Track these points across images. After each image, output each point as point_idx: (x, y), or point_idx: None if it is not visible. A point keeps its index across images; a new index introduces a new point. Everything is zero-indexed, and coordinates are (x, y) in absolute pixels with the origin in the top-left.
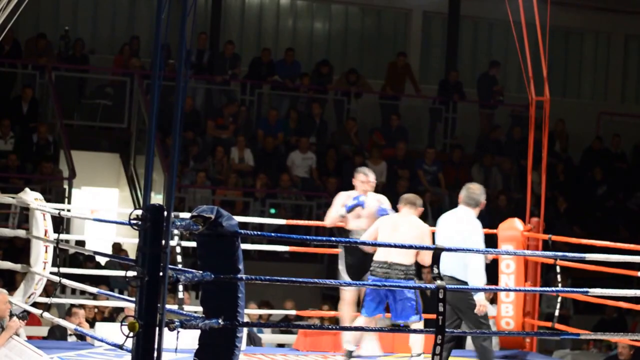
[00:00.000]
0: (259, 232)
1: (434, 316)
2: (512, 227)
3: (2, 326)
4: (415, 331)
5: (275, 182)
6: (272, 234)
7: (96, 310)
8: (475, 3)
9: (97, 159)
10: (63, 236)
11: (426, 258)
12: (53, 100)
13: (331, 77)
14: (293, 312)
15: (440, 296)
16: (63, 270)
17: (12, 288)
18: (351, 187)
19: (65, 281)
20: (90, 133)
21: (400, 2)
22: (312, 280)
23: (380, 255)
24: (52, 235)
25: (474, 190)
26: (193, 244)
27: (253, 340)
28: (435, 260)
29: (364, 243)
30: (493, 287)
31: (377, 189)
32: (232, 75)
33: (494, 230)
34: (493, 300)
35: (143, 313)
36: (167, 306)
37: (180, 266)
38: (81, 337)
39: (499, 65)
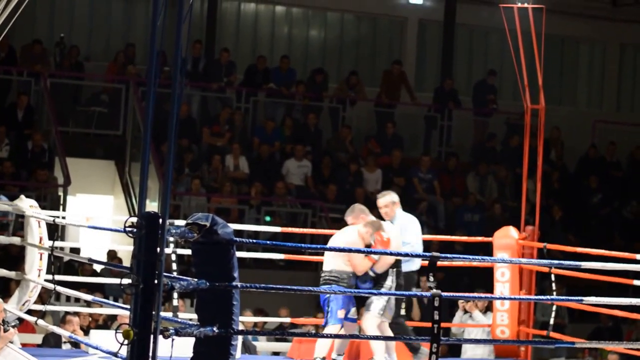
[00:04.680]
0: (254, 240)
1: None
2: (507, 236)
3: None
4: (414, 339)
5: (270, 189)
6: (267, 242)
7: (90, 317)
8: (470, 11)
9: (92, 166)
10: (58, 243)
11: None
12: (48, 107)
13: (326, 84)
14: (288, 320)
15: (436, 304)
16: (58, 277)
17: (6, 295)
18: (345, 194)
19: (59, 288)
20: (85, 140)
21: (396, 10)
22: (307, 288)
23: None
24: (47, 243)
25: None
26: (188, 251)
27: (248, 349)
28: (431, 268)
29: (366, 251)
30: (488, 295)
31: (372, 198)
32: (227, 83)
33: (490, 239)
34: (488, 309)
35: (138, 321)
36: (162, 314)
37: (175, 274)
38: (76, 344)
39: (496, 75)
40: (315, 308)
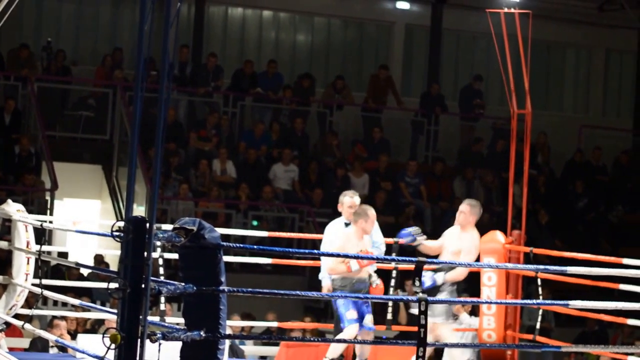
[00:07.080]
0: (241, 245)
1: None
2: (493, 240)
3: None
4: (403, 343)
5: (257, 194)
6: (255, 246)
7: (77, 322)
8: (457, 16)
9: (80, 170)
10: (45, 248)
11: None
12: (35, 111)
13: (313, 89)
14: (275, 324)
15: (422, 308)
16: (45, 281)
17: None
18: (332, 199)
19: (47, 293)
20: (72, 145)
21: (383, 15)
22: (294, 292)
23: None
24: (34, 247)
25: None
26: (175, 256)
27: (235, 353)
28: (417, 273)
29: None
30: (475, 299)
31: (360, 202)
32: (214, 87)
33: None
34: (474, 313)
35: (125, 325)
36: (149, 318)
37: (162, 278)
38: (63, 348)
39: (482, 80)
40: (302, 312)
